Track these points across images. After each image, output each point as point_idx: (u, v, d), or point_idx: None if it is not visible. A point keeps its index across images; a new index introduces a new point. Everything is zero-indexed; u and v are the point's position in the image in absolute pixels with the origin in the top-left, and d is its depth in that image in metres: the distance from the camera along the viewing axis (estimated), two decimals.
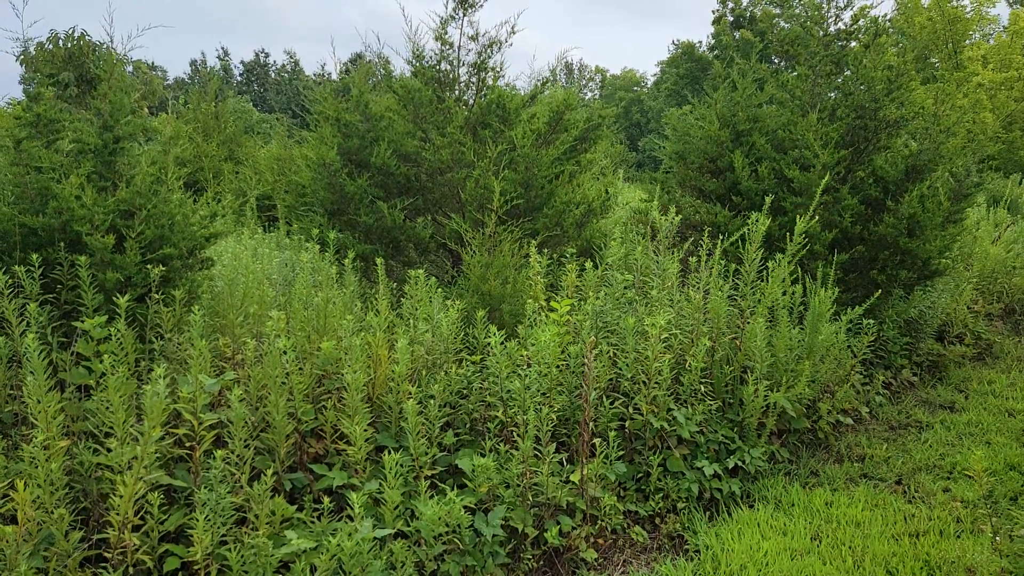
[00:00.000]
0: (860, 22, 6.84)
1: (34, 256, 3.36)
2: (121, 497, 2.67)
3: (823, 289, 5.14)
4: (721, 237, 5.42)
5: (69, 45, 4.94)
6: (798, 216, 5.16)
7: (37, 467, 2.63)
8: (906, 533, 3.90)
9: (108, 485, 2.86)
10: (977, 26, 28.59)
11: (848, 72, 6.78)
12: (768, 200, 5.23)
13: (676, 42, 57.01)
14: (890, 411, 5.85)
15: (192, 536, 2.73)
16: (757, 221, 4.99)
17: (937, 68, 27.84)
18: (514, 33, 6.03)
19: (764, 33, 44.10)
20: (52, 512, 2.64)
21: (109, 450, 2.83)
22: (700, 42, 54.35)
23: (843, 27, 6.87)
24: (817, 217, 5.68)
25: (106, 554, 2.76)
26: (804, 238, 5.19)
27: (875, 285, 6.31)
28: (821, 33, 6.82)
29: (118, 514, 2.69)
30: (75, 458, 2.97)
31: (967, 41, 27.88)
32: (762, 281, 5.11)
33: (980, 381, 6.63)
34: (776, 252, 5.24)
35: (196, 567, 2.78)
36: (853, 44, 6.98)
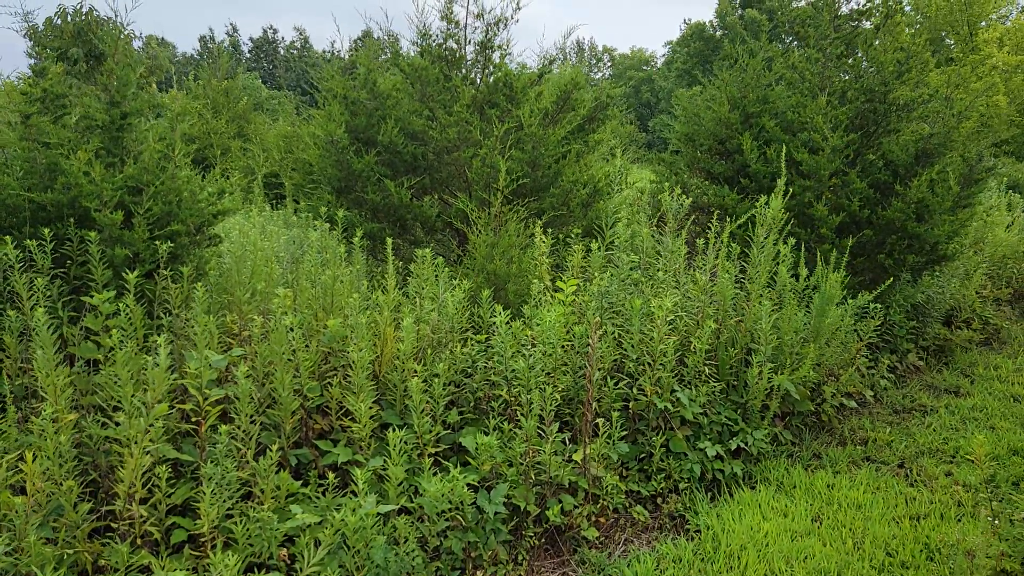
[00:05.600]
0: (875, 0, 6.74)
1: (45, 231, 3.39)
2: (128, 469, 2.71)
3: (833, 273, 5.12)
4: (729, 219, 5.40)
5: (77, 20, 4.93)
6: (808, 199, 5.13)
7: (46, 439, 2.67)
8: (907, 516, 3.92)
9: (116, 458, 2.90)
10: (994, 6, 28.16)
11: (859, 54, 6.70)
12: (781, 182, 5.19)
13: (687, 21, 56.45)
14: (895, 395, 5.85)
15: (199, 509, 2.77)
16: (767, 204, 4.97)
17: (953, 50, 27.47)
18: (519, 9, 5.97)
19: (773, 12, 43.52)
20: (61, 484, 2.68)
21: (117, 423, 2.87)
22: (711, 22, 53.76)
23: (856, 7, 6.78)
24: (825, 200, 5.66)
25: (114, 525, 2.80)
26: (811, 222, 5.16)
27: (883, 269, 6.29)
28: (832, 14, 6.74)
29: (126, 486, 2.74)
30: (84, 431, 3.01)
31: (983, 23, 27.47)
32: (770, 264, 5.09)
33: (986, 366, 6.62)
34: (786, 235, 5.22)
35: (202, 539, 2.82)
36: (866, 24, 6.88)
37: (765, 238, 4.99)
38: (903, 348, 6.44)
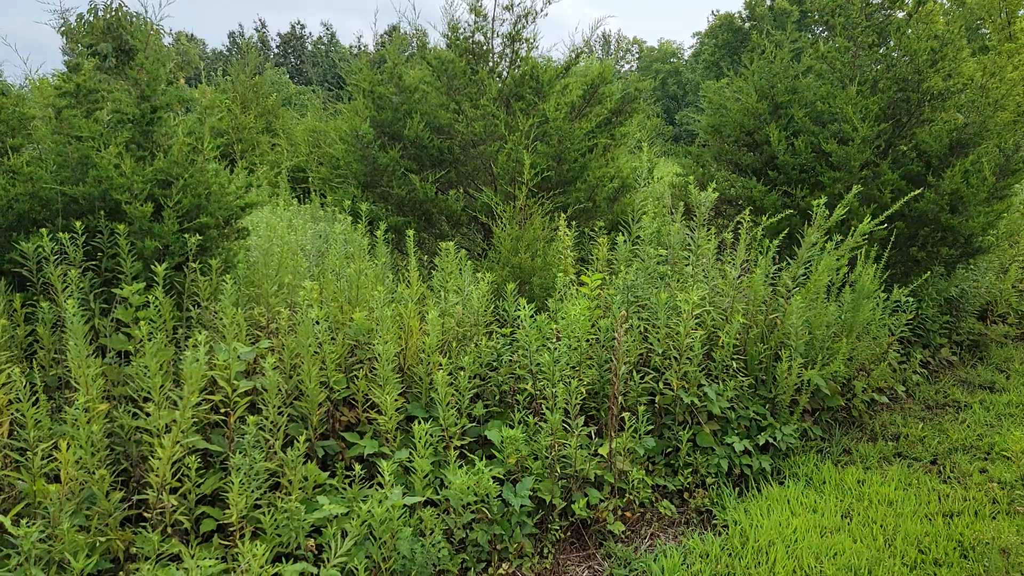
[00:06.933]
0: None
1: (77, 224, 3.44)
2: (159, 460, 2.75)
3: (869, 268, 5.03)
4: (763, 215, 5.31)
5: (108, 16, 5.00)
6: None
7: (79, 429, 2.71)
8: (940, 513, 3.85)
9: (147, 448, 2.95)
10: None
11: (891, 42, 6.56)
12: (855, 189, 5.09)
13: (715, 12, 55.78)
14: (927, 390, 5.74)
15: (227, 499, 2.80)
16: (821, 205, 4.87)
17: (988, 39, 26.84)
18: (549, 3, 5.94)
19: (802, 2, 42.84)
20: (94, 473, 2.73)
21: (147, 414, 2.91)
22: (739, 13, 53.06)
23: None
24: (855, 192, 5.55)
25: (145, 514, 2.85)
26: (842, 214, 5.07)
27: (915, 262, 6.17)
28: (863, 2, 6.60)
29: (156, 476, 2.77)
30: (115, 421, 3.05)
31: (1021, 11, 26.78)
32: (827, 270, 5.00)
33: (1022, 361, 6.46)
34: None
35: (231, 529, 2.86)
36: (900, 14, 6.74)
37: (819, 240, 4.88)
38: (936, 343, 6.32)
